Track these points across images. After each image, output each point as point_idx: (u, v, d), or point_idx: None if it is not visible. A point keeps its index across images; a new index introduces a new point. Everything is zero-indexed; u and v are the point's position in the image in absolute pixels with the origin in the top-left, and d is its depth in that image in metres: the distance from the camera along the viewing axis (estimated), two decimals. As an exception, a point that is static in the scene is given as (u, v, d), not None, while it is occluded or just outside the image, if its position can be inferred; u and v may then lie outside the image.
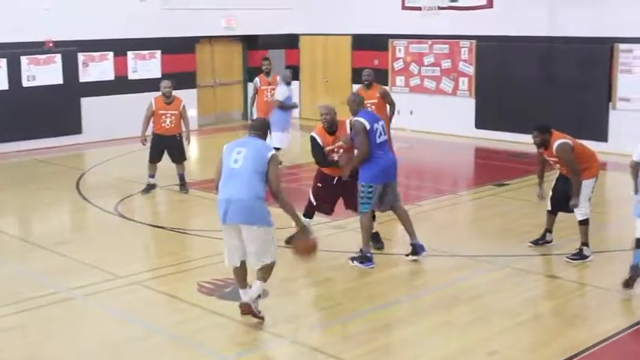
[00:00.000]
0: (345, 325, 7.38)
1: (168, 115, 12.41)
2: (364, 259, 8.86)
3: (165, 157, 12.73)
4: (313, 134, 9.15)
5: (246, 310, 7.31)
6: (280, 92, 14.16)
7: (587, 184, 9.33)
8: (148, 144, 12.66)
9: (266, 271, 7.26)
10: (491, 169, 13.13)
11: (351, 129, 8.90)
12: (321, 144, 9.06)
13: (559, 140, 9.21)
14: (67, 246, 9.94)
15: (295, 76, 20.17)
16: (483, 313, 7.61)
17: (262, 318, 7.30)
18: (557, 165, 9.44)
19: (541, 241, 9.77)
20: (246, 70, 21.48)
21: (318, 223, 10.49)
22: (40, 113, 16.88)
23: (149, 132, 12.68)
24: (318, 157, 9.19)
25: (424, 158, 14.50)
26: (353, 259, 8.91)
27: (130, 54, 18.53)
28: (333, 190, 9.27)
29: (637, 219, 8.05)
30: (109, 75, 18.22)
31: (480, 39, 18.02)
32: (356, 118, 8.82)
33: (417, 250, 9.02)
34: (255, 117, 13.90)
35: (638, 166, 8.65)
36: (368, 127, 8.69)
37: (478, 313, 7.60)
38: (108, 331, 7.27)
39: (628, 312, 7.71)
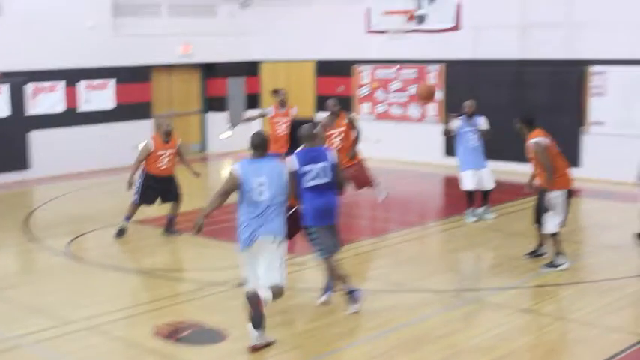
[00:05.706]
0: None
1: (167, 154, 12.09)
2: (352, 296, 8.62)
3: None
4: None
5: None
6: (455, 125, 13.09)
7: (557, 195, 9.91)
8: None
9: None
10: (462, 199, 13.23)
11: None
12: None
13: (534, 139, 10.03)
14: (13, 290, 9.87)
15: (256, 104, 20.34)
16: (452, 352, 7.64)
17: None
18: (533, 162, 10.16)
19: (536, 254, 10.55)
20: (204, 100, 21.57)
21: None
22: (-16, 148, 16.79)
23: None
24: None
25: (391, 188, 14.58)
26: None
27: (82, 83, 18.49)
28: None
29: None
30: (60, 106, 18.18)
31: (448, 63, 18.32)
32: (290, 156, 8.59)
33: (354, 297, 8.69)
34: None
35: None
36: (295, 169, 8.38)
37: (447, 352, 7.63)
38: (58, 380, 7.24)
39: (605, 345, 7.75)
